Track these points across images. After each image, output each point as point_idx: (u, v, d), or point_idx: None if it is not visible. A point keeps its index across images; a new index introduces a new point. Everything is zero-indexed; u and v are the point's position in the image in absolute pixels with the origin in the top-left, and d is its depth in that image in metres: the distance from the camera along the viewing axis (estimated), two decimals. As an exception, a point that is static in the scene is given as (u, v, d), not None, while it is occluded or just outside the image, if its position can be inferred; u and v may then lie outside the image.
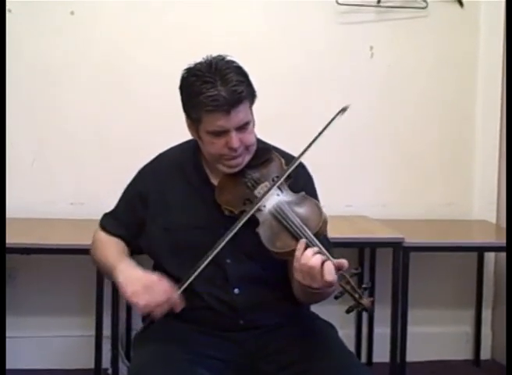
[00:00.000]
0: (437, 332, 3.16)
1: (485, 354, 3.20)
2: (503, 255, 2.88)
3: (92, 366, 2.57)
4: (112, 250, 1.87)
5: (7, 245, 2.21)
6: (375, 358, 3.10)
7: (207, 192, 1.81)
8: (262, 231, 1.68)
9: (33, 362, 2.93)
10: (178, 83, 1.77)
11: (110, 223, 1.95)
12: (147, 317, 1.73)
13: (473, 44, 3.11)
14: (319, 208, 1.70)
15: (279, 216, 1.68)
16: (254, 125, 1.78)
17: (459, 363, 3.15)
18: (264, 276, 1.79)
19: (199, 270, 1.68)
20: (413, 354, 2.81)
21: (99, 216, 2.01)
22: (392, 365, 2.68)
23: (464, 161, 3.17)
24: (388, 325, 2.68)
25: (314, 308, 1.92)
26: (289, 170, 1.75)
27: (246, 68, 1.75)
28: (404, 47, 3.08)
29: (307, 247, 1.57)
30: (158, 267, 1.87)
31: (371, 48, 3.05)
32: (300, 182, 1.84)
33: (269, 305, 1.80)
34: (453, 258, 3.10)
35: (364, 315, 3.06)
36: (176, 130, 1.87)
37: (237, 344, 1.77)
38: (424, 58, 3.09)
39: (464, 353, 3.20)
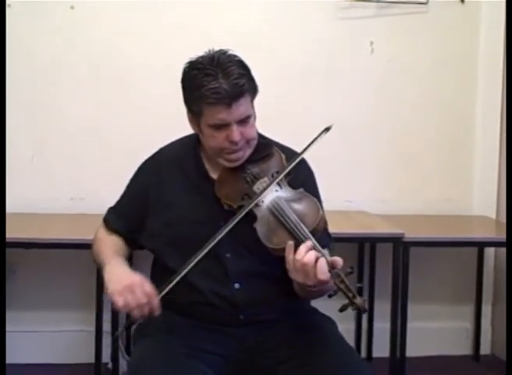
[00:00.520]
0: (437, 327, 3.16)
1: (485, 349, 3.20)
2: (503, 250, 2.89)
3: (92, 360, 2.58)
4: (106, 248, 1.87)
5: (7, 239, 2.22)
6: (375, 353, 3.10)
7: (206, 186, 1.81)
8: (259, 227, 1.68)
9: (34, 357, 2.93)
10: (178, 82, 1.77)
11: (112, 217, 1.96)
12: (128, 317, 1.71)
13: (473, 40, 3.10)
14: (317, 206, 1.69)
15: (276, 212, 1.68)
16: (255, 119, 1.78)
17: (459, 358, 3.14)
18: (264, 271, 1.78)
19: (184, 273, 1.67)
20: (413, 349, 2.81)
21: (99, 211, 2.02)
22: (391, 360, 2.68)
23: (463, 156, 3.16)
24: (388, 320, 2.68)
25: (314, 302, 1.91)
26: (288, 169, 1.75)
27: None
28: (404, 42, 3.07)
29: (299, 244, 1.57)
30: (158, 262, 1.88)
31: (372, 43, 3.04)
32: (301, 177, 1.83)
33: (269, 300, 1.79)
34: (452, 254, 3.10)
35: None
36: (175, 129, 1.88)
37: (237, 340, 1.77)
38: (424, 54, 3.08)
39: (464, 348, 3.20)
